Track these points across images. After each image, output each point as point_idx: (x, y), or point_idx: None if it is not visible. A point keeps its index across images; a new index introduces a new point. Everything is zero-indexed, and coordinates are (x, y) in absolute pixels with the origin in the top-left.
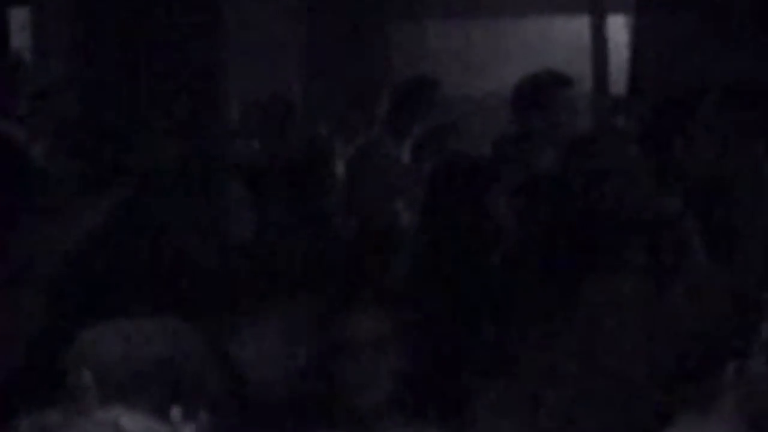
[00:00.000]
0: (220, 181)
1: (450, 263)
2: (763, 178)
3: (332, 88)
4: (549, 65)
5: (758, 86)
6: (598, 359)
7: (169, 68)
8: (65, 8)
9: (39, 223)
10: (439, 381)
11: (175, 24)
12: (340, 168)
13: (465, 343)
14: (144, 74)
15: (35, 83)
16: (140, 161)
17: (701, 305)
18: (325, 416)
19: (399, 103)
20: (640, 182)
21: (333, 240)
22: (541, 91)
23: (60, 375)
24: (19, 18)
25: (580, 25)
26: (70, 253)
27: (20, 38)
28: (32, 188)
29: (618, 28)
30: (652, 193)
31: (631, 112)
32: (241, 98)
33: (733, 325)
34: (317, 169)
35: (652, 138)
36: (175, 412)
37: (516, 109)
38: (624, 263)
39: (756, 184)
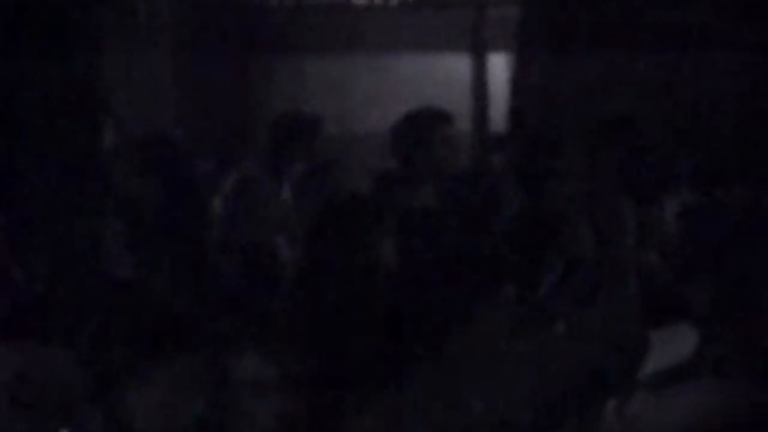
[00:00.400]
0: (99, 217)
1: (333, 301)
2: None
3: (213, 124)
4: (429, 102)
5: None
6: (476, 396)
7: (49, 103)
8: None
9: None
10: (322, 422)
11: (53, 61)
12: (218, 204)
13: (347, 381)
14: (23, 110)
15: None
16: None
17: (581, 344)
18: None
19: (278, 138)
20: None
21: (214, 277)
22: (421, 128)
23: None
24: None
25: (460, 63)
26: None
27: None
28: None
29: (498, 66)
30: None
31: (509, 149)
32: (121, 135)
33: (613, 364)
34: (197, 206)
35: (526, 175)
36: None
37: (396, 146)
38: (501, 300)
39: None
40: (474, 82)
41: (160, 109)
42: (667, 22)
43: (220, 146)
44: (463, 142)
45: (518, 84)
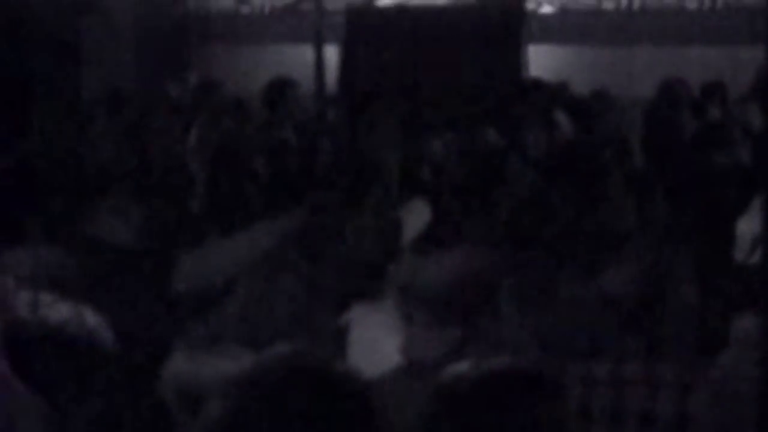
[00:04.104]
0: None
1: None
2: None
3: None
4: (287, 74)
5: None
6: None
7: None
8: None
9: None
10: None
11: None
12: None
13: None
14: None
15: None
16: None
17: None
18: None
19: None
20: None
21: None
22: (278, 89)
23: None
24: None
25: (307, 50)
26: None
27: None
28: None
29: (332, 53)
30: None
31: (339, 106)
32: None
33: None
34: None
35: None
36: None
37: (264, 101)
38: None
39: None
40: (316, 61)
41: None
42: None
43: None
44: (308, 100)
45: (345, 63)
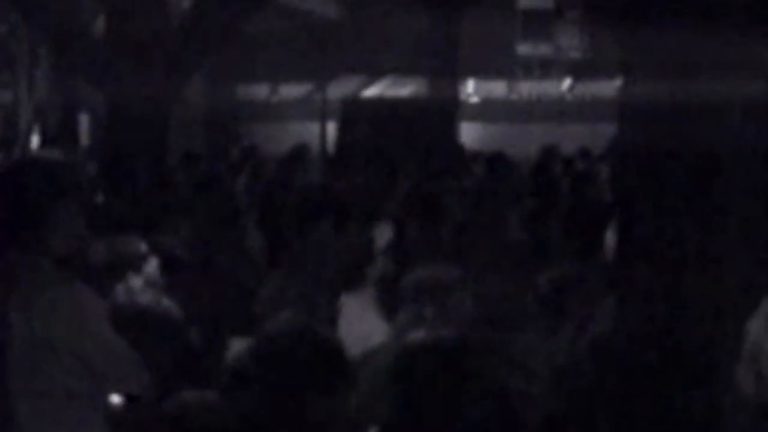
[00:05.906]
0: None
1: None
2: None
3: None
4: (304, 141)
5: None
6: None
7: None
8: None
9: None
10: None
11: None
12: None
13: None
14: None
15: None
16: None
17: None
18: None
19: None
20: None
21: None
22: (297, 152)
23: None
24: None
25: (314, 125)
26: None
27: None
28: None
29: (332, 128)
30: None
31: (337, 163)
32: None
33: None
34: None
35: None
36: None
37: (288, 160)
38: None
39: None
40: (321, 133)
41: None
42: None
43: None
44: (316, 160)
45: (341, 134)
